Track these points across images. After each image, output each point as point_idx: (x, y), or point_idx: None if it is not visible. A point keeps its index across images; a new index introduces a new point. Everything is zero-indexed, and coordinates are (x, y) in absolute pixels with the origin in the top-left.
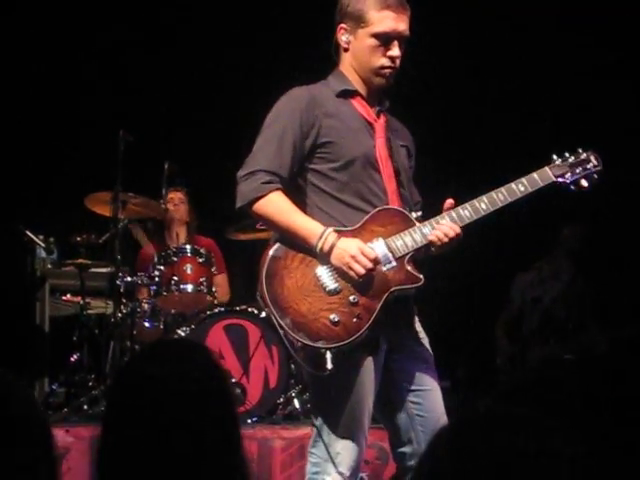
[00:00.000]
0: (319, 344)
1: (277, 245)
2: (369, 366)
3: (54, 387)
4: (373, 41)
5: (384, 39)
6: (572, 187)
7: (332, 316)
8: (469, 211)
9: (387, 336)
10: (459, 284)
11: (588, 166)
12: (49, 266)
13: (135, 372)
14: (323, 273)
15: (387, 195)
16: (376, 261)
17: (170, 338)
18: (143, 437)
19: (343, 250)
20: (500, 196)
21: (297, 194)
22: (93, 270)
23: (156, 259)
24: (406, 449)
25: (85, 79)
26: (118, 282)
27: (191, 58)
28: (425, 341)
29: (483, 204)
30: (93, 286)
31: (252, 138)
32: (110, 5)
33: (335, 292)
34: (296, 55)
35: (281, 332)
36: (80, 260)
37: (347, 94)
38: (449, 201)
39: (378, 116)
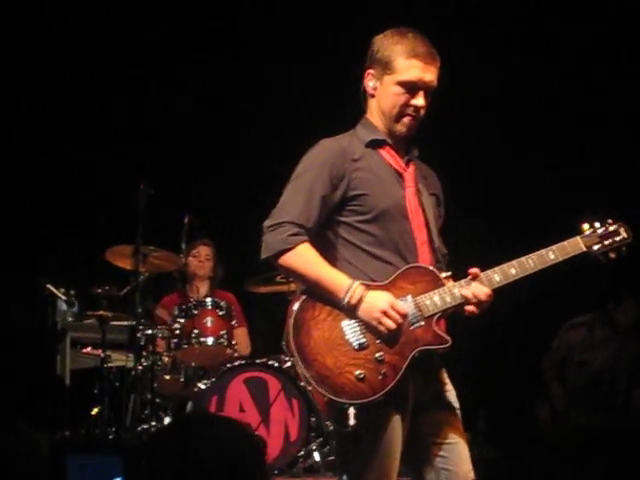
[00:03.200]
0: (342, 399)
1: (306, 295)
2: (396, 422)
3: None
4: (398, 89)
5: (409, 88)
6: (601, 258)
7: (357, 372)
8: (499, 275)
9: (414, 390)
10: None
11: (617, 238)
12: (70, 319)
13: (161, 451)
14: (350, 327)
15: (417, 247)
16: (405, 317)
17: (197, 413)
18: None
19: (372, 305)
20: (530, 262)
21: (326, 247)
22: (114, 323)
23: (176, 312)
24: None
25: (105, 132)
26: (139, 335)
27: (212, 110)
28: (451, 394)
29: (513, 269)
30: (114, 339)
31: (271, 191)
32: (129, 56)
33: (361, 348)
34: (318, 107)
35: (305, 384)
36: (101, 312)
37: (376, 144)
38: (474, 270)
39: (407, 165)
